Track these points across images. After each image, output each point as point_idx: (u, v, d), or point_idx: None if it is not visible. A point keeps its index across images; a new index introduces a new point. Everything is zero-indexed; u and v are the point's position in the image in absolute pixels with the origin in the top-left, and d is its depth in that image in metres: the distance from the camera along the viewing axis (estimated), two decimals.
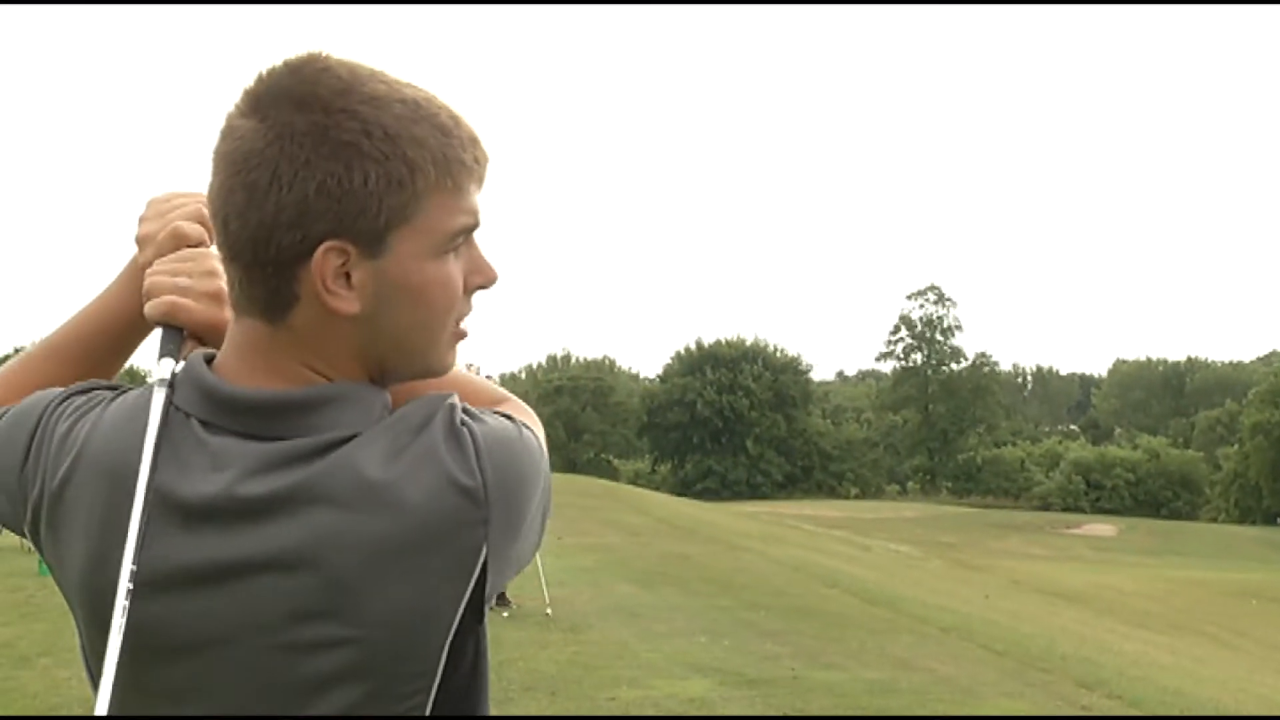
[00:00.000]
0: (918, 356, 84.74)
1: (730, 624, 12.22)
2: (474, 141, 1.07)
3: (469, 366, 1.30)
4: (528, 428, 1.10)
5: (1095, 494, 71.08)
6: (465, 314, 1.11)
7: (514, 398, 1.23)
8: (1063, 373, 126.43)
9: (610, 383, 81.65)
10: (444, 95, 1.07)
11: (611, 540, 21.48)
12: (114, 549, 1.01)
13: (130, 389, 1.15)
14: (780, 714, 8.21)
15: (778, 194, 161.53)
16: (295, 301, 1.04)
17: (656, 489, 58.96)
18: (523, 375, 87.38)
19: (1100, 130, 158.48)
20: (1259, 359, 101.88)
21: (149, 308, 1.18)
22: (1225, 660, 17.68)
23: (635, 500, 34.46)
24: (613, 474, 69.14)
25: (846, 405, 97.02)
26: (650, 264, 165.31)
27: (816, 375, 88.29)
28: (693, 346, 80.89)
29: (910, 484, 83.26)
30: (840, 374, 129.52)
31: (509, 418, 1.10)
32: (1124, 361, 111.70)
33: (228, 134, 1.04)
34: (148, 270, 1.20)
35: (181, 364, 1.12)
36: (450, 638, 1.02)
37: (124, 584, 0.98)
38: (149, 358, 1.16)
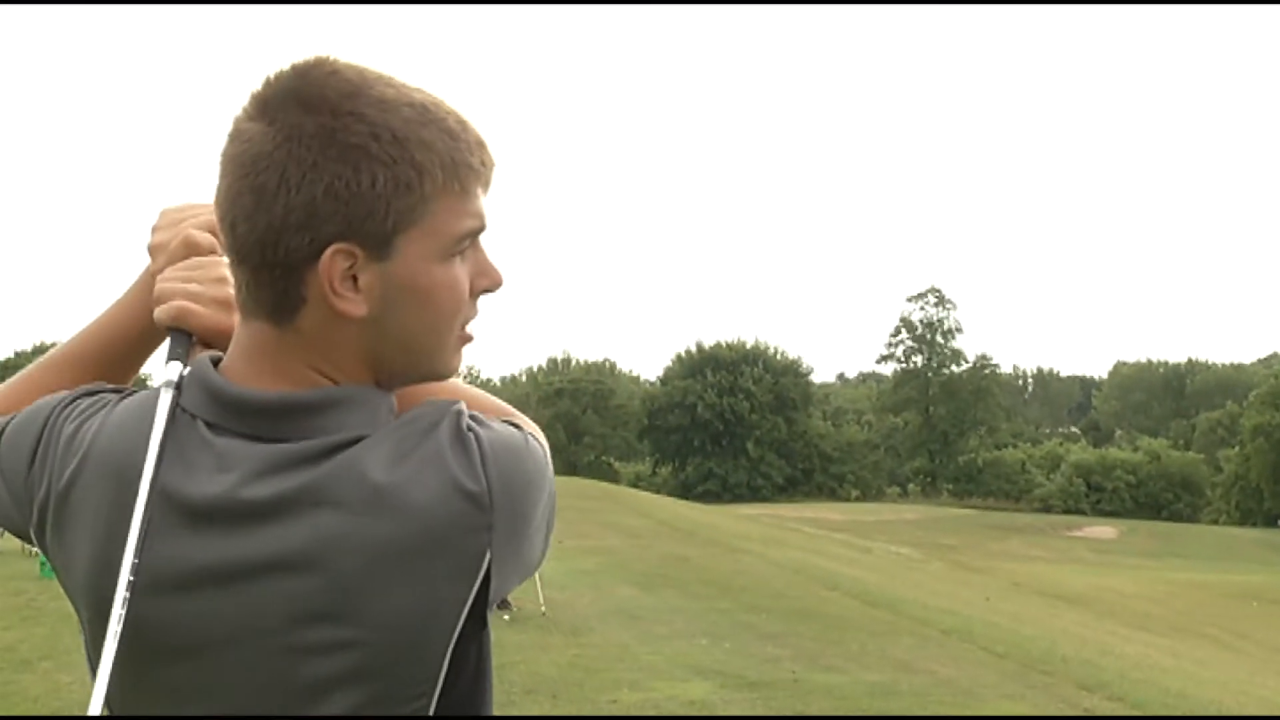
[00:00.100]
0: (918, 359, 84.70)
1: (731, 626, 12.22)
2: (481, 145, 1.07)
3: (470, 369, 1.31)
4: (534, 437, 1.11)
5: (1096, 496, 71.03)
6: (471, 317, 1.11)
7: (516, 411, 1.23)
8: (1063, 375, 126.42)
9: (611, 385, 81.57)
10: (449, 99, 1.07)
11: (612, 543, 21.48)
12: (120, 549, 1.01)
13: (137, 391, 1.16)
14: (781, 716, 8.21)
15: (778, 196, 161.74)
16: (302, 304, 1.04)
17: (657, 492, 58.90)
18: (523, 378, 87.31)
19: (1100, 132, 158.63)
20: (1259, 361, 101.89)
21: (159, 312, 1.19)
22: (1227, 662, 17.68)
23: (636, 503, 34.46)
24: (613, 477, 69.14)
25: (847, 407, 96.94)
26: (651, 266, 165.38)
27: (817, 377, 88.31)
28: (693, 349, 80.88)
29: (911, 486, 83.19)
30: (841, 376, 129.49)
31: (516, 426, 1.10)
32: (1124, 363, 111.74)
33: (235, 137, 1.04)
34: (159, 276, 1.21)
35: (188, 368, 1.12)
36: (453, 642, 1.02)
37: (123, 583, 0.99)
38: (160, 366, 1.17)
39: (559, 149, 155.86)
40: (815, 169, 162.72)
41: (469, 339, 1.12)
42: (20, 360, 67.17)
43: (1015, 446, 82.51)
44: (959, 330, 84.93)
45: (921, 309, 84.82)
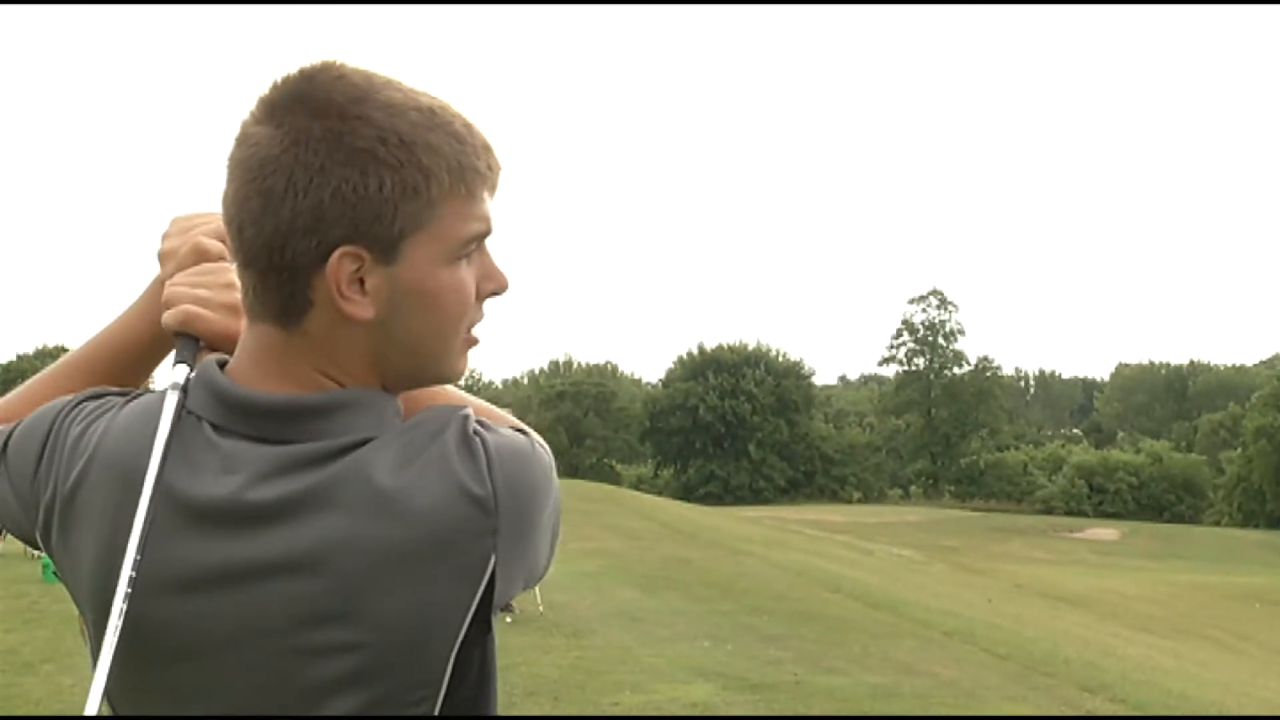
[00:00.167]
0: (920, 361, 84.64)
1: (733, 629, 12.22)
2: (487, 149, 1.07)
3: (471, 372, 1.31)
4: (540, 444, 1.11)
5: (1098, 498, 70.97)
6: (477, 320, 1.12)
7: (515, 420, 1.23)
8: (1065, 376, 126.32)
9: (612, 388, 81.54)
10: (455, 103, 1.08)
11: (614, 545, 21.46)
12: (125, 550, 1.01)
13: (143, 393, 1.16)
14: (783, 718, 8.22)
15: (779, 198, 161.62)
16: (309, 307, 1.04)
17: (659, 494, 58.84)
18: (525, 380, 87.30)
19: (1102, 134, 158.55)
20: (1262, 362, 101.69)
21: (167, 316, 1.19)
22: (1229, 664, 17.67)
23: (638, 505, 34.45)
24: (615, 479, 69.05)
25: (849, 409, 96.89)
26: (652, 269, 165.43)
27: (819, 380, 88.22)
28: (695, 351, 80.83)
29: (913, 488, 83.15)
30: (843, 378, 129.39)
31: (523, 432, 1.11)
32: (1126, 365, 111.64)
33: (243, 141, 1.05)
34: (168, 282, 1.22)
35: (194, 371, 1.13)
36: (457, 646, 1.02)
37: (123, 584, 0.99)
38: (167, 371, 1.17)
39: (561, 152, 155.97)
40: (817, 171, 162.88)
41: (475, 342, 1.13)
42: (22, 363, 67.25)
43: (1017, 448, 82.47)
44: (961, 332, 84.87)
45: (923, 311, 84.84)
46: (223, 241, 1.21)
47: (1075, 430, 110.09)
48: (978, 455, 79.93)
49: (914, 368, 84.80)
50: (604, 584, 15.52)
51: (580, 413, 76.69)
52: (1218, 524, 66.22)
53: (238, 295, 1.15)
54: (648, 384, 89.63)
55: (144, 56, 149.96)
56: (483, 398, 1.25)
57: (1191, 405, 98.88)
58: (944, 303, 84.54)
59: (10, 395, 1.28)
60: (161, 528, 1.03)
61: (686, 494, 68.12)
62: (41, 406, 1.18)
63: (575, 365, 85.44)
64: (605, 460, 77.89)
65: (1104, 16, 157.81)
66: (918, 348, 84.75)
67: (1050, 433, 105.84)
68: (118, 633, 0.98)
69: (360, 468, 1.02)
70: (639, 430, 79.69)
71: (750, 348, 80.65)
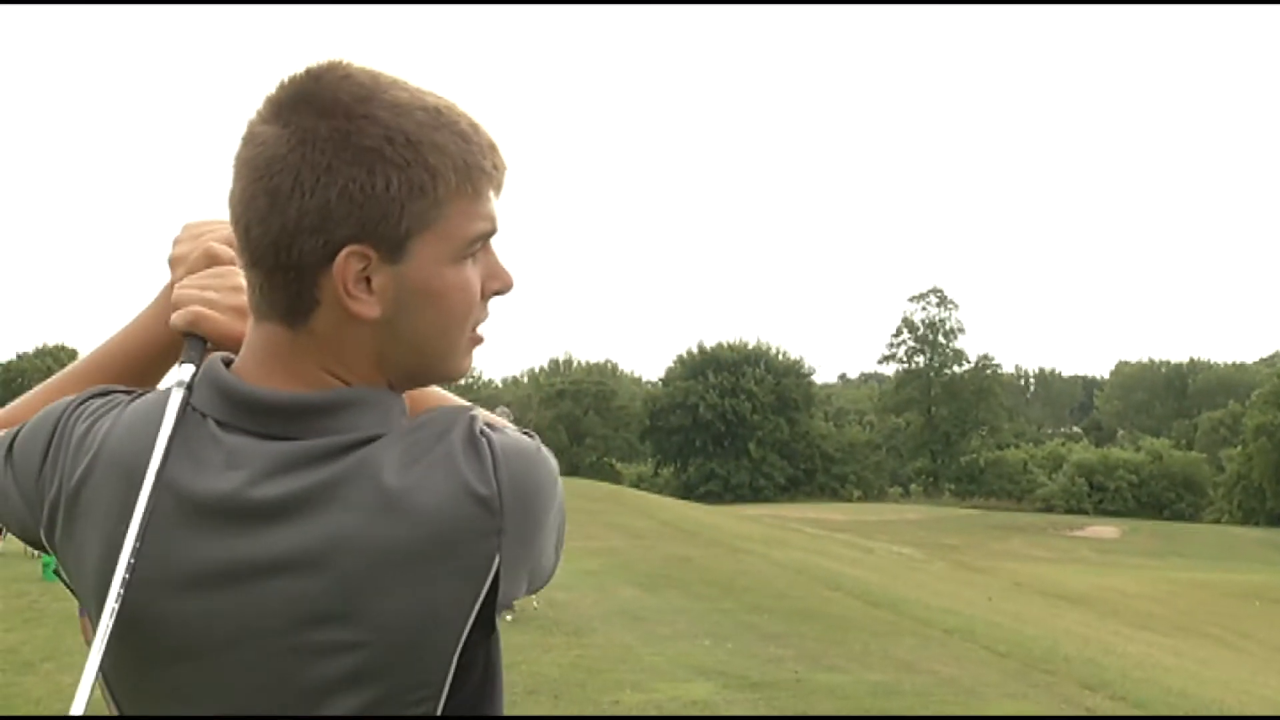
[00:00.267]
0: (920, 359, 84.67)
1: (733, 627, 12.23)
2: (493, 148, 1.08)
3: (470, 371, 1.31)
4: (546, 448, 1.11)
5: (1098, 496, 70.98)
6: (482, 319, 1.12)
7: (511, 426, 1.24)
8: (1065, 374, 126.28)
9: (612, 386, 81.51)
10: (460, 103, 1.08)
11: (614, 544, 21.45)
12: (135, 547, 1.01)
13: (148, 392, 1.16)
14: (783, 716, 8.22)
15: (779, 197, 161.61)
16: (316, 306, 1.05)
17: (659, 492, 58.82)
18: (525, 379, 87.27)
19: (1102, 132, 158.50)
20: (1262, 360, 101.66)
21: (175, 317, 1.19)
22: (1229, 662, 17.67)
23: (638, 504, 34.43)
24: (615, 477, 69.02)
25: (849, 408, 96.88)
26: (652, 267, 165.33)
27: (819, 378, 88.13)
28: (695, 350, 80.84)
29: (913, 486, 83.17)
30: (843, 377, 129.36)
31: (530, 434, 1.11)
32: (1126, 363, 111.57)
33: (249, 140, 1.05)
34: (178, 284, 1.22)
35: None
36: (460, 647, 1.02)
37: (118, 580, 0.99)
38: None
39: (560, 150, 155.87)
40: (817, 169, 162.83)
41: (480, 341, 1.13)
42: (23, 361, 67.32)
43: (1017, 446, 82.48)
44: (961, 330, 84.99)
45: (923, 309, 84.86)
46: (233, 247, 1.21)
47: (1075, 428, 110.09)
48: (978, 453, 79.95)
49: (914, 366, 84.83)
50: (605, 582, 15.52)
51: (580, 411, 76.70)
52: (1218, 522, 66.26)
53: (246, 298, 1.15)
54: (648, 382, 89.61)
55: (144, 55, 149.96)
56: (483, 396, 1.25)
57: (1191, 403, 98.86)
58: (944, 301, 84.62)
59: (18, 401, 1.28)
60: (165, 524, 1.03)
61: (687, 492, 68.11)
62: (46, 407, 1.18)
63: (575, 364, 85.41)
64: (605, 459, 77.89)
65: (1105, 16, 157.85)
66: (918, 346, 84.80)
67: (1050, 431, 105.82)
68: (109, 630, 0.98)
69: (365, 466, 1.02)
70: (639, 429, 79.70)
71: (750, 346, 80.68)
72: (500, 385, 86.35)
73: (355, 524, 1.00)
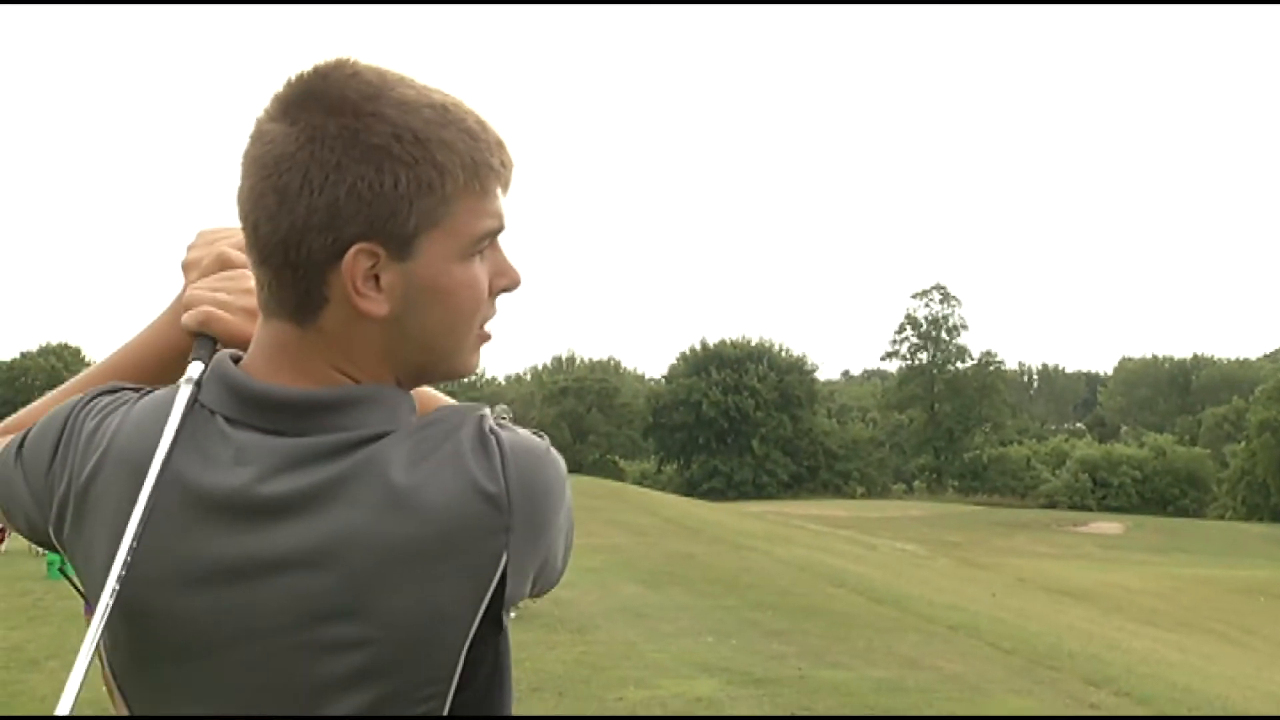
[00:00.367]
0: (923, 355, 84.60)
1: (737, 624, 12.22)
2: (500, 146, 1.08)
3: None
4: (556, 450, 1.12)
5: (1102, 492, 70.88)
6: (490, 316, 1.13)
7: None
8: (1068, 371, 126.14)
9: (615, 384, 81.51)
10: (467, 100, 1.08)
11: (618, 541, 21.44)
12: (139, 545, 1.01)
13: (157, 389, 1.16)
14: (787, 713, 8.22)
15: (782, 194, 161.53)
16: (325, 304, 1.05)
17: (662, 489, 58.84)
18: (528, 377, 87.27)
19: (1104, 128, 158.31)
20: (1266, 356, 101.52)
21: (187, 317, 1.20)
22: (1234, 657, 17.65)
23: (641, 501, 34.41)
24: (618, 475, 69.02)
25: (852, 405, 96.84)
26: (655, 265, 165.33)
27: (822, 375, 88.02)
28: (698, 347, 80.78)
29: (916, 483, 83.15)
30: (846, 373, 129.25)
31: (540, 435, 1.11)
32: (1130, 359, 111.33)
33: (257, 138, 1.05)
34: (191, 286, 1.23)
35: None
36: (468, 644, 1.02)
37: (114, 576, 0.99)
38: None
39: (563, 147, 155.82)
40: (819, 166, 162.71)
41: (487, 338, 1.13)
42: (27, 360, 67.42)
43: (1021, 443, 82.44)
44: (964, 327, 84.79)
45: (926, 306, 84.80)
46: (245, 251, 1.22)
47: (1079, 424, 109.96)
48: (981, 450, 79.89)
49: (917, 363, 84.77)
50: (608, 579, 15.51)
51: (583, 409, 76.68)
52: (1222, 518, 66.19)
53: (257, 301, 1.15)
54: (651, 380, 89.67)
55: (149, 54, 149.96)
56: (486, 394, 1.26)
57: (1195, 399, 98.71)
58: (947, 297, 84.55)
59: (31, 406, 1.29)
60: (173, 520, 1.03)
61: (690, 490, 68.11)
62: (56, 406, 1.18)
63: (578, 361, 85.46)
64: (608, 456, 77.89)
65: (1107, 15, 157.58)
66: (921, 343, 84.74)
67: (1054, 427, 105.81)
68: (100, 628, 0.98)
69: (374, 463, 1.02)
70: (642, 426, 79.68)
71: (753, 343, 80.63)
72: (503, 382, 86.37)
73: (363, 521, 1.00)
